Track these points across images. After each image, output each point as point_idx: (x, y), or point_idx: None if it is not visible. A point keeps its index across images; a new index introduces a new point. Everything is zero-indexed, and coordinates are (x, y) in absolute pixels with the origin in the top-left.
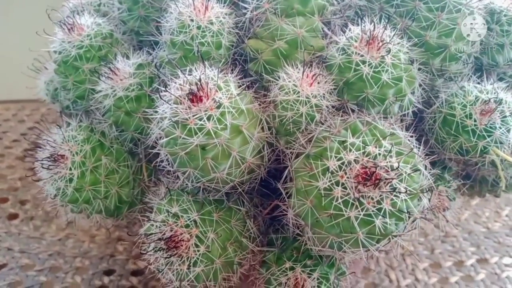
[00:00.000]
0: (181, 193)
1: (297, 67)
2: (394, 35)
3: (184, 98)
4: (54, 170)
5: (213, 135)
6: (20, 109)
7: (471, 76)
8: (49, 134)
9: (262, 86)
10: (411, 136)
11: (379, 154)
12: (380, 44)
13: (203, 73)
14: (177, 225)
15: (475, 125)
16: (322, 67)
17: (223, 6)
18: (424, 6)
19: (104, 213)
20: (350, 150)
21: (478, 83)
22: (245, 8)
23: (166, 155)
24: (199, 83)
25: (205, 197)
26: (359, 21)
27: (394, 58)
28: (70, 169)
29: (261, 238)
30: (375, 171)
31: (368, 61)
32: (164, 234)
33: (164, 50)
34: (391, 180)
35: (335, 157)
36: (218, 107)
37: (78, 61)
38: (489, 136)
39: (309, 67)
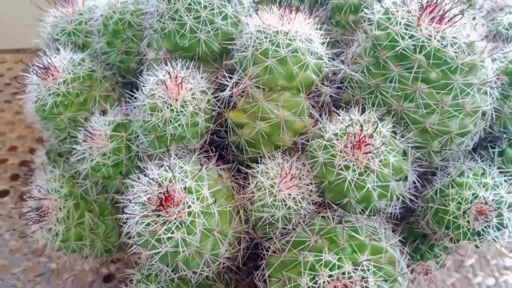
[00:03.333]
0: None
1: (276, 160)
2: (383, 138)
3: (152, 205)
4: (41, 223)
5: (183, 244)
6: None
7: (469, 152)
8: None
9: (243, 162)
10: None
11: (356, 274)
12: (367, 150)
13: (173, 172)
14: None
15: (468, 227)
16: (304, 157)
17: (201, 78)
18: (425, 90)
19: (93, 257)
20: (326, 268)
21: (482, 159)
22: (225, 85)
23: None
24: (166, 191)
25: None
26: (350, 104)
27: (382, 164)
28: (55, 224)
29: None
30: None
31: (353, 167)
32: None
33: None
34: None
35: (309, 275)
36: (188, 214)
37: (55, 110)
38: (481, 238)
39: (291, 157)
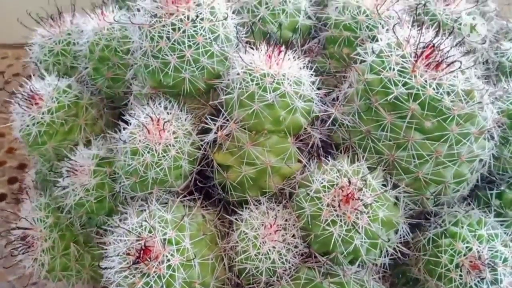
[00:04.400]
0: None
1: (261, 208)
2: (373, 192)
3: (131, 256)
4: (27, 253)
5: None
6: None
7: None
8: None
9: (229, 202)
10: None
11: None
12: (356, 205)
13: (153, 221)
14: None
15: (460, 281)
16: (290, 206)
17: (185, 119)
18: (419, 140)
19: (81, 285)
20: None
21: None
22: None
23: None
24: (144, 245)
25: None
26: (340, 148)
27: (371, 219)
28: (41, 254)
29: None
30: None
31: (340, 223)
32: None
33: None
34: None
35: None
36: (167, 267)
37: (39, 139)
38: None
39: (277, 203)
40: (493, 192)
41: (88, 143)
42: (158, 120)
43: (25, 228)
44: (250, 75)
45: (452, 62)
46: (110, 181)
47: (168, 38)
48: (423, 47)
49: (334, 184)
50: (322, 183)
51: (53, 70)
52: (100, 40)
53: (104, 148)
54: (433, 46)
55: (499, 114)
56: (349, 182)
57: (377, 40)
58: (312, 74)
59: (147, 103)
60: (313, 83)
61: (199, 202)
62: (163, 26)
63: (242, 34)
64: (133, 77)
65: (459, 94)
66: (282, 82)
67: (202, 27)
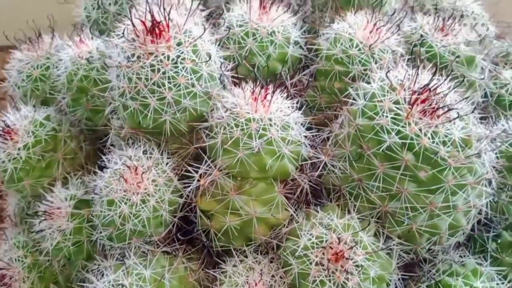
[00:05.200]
0: None
1: (246, 262)
2: (364, 249)
3: None
4: None
5: None
6: None
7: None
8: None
9: (215, 251)
10: None
11: None
12: (346, 264)
13: (130, 278)
14: None
15: None
16: (277, 260)
17: (166, 164)
18: (413, 192)
19: None
20: None
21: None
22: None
23: None
24: None
25: None
26: (331, 196)
27: (361, 279)
28: None
29: None
30: None
31: (329, 283)
32: None
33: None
34: None
35: None
36: None
37: (15, 176)
38: None
39: (264, 255)
40: (490, 235)
41: (66, 180)
42: (136, 168)
43: (2, 268)
44: (234, 119)
45: (449, 110)
46: (88, 226)
47: (147, 79)
48: (418, 93)
49: (323, 240)
50: (310, 239)
51: (31, 96)
52: (78, 70)
53: (82, 187)
54: (429, 90)
55: (497, 157)
56: (339, 240)
57: (369, 80)
58: (301, 114)
59: (126, 144)
60: (302, 124)
61: (181, 252)
62: (142, 67)
63: (228, 70)
64: (113, 110)
65: (456, 143)
66: (268, 128)
67: (183, 68)
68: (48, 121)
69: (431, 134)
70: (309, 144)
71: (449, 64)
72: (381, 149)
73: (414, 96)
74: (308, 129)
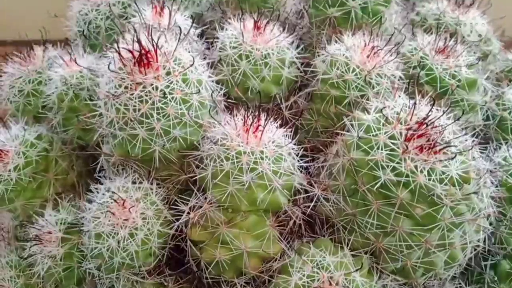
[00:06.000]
0: None
1: None
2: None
3: None
4: None
5: None
6: None
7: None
8: None
9: (206, 283)
10: None
11: None
12: None
13: None
14: None
15: None
16: None
17: (156, 195)
18: (408, 229)
19: None
20: None
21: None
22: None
23: None
24: None
25: None
26: (324, 228)
27: None
28: None
29: None
30: None
31: None
32: None
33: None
34: None
35: None
36: None
37: (6, 197)
38: None
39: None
40: (488, 263)
41: (58, 201)
42: (124, 202)
43: None
44: (224, 152)
45: (447, 146)
46: (79, 252)
47: (135, 110)
48: (414, 129)
49: (314, 280)
50: (301, 278)
51: (24, 111)
52: (68, 90)
53: (73, 211)
54: (426, 124)
55: (497, 187)
56: (331, 280)
57: (367, 105)
58: (296, 142)
59: (116, 171)
60: (297, 153)
61: (172, 282)
62: (129, 98)
63: (220, 95)
64: (102, 136)
65: (453, 180)
66: (260, 161)
67: (173, 98)
68: (40, 141)
69: (427, 171)
70: (303, 172)
71: (449, 88)
72: (375, 186)
73: (411, 131)
74: (303, 156)
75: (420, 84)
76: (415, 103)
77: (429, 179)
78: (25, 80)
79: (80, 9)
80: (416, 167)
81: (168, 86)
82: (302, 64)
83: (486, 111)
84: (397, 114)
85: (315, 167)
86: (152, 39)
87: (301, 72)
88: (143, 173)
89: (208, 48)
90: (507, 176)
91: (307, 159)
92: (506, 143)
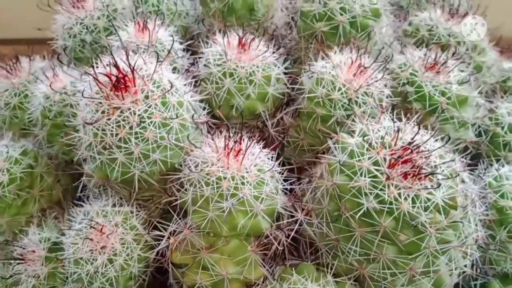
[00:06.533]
0: None
1: None
2: None
3: None
4: None
5: None
6: None
7: None
8: None
9: None
10: None
11: None
12: None
13: None
14: None
15: None
16: None
17: (136, 218)
18: (392, 257)
19: None
20: None
21: None
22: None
23: None
24: None
25: None
26: (307, 253)
27: None
28: None
29: None
30: None
31: None
32: None
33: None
34: None
35: None
36: None
37: None
38: None
39: None
40: (478, 283)
41: (43, 216)
42: (102, 228)
43: None
44: (205, 177)
45: (433, 173)
46: (62, 272)
47: (112, 135)
48: (399, 156)
49: None
50: None
51: (10, 124)
52: (51, 106)
53: (57, 229)
54: (411, 150)
55: (486, 208)
56: None
57: (352, 124)
58: (279, 164)
59: (98, 192)
60: (281, 173)
61: None
62: (107, 123)
63: (203, 114)
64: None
65: (438, 206)
66: (240, 187)
67: (151, 122)
68: (24, 156)
69: (412, 198)
70: (286, 198)
71: (439, 106)
72: (358, 214)
73: (395, 157)
74: (288, 177)
75: (409, 102)
76: (398, 129)
77: (413, 207)
78: (11, 93)
79: (64, 22)
80: (399, 194)
81: (147, 110)
82: (289, 79)
83: (479, 127)
84: (382, 139)
85: (300, 188)
86: (130, 64)
87: (288, 88)
88: (125, 194)
89: (193, 64)
90: (497, 198)
91: (293, 179)
92: (498, 160)
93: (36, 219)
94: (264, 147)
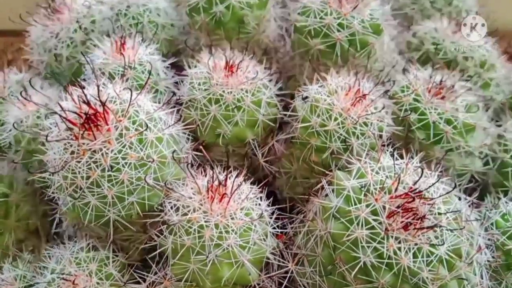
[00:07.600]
0: None
1: None
2: None
3: None
4: None
5: None
6: None
7: None
8: None
9: None
10: None
11: None
12: None
13: None
14: None
15: None
16: None
17: (113, 263)
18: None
19: None
20: None
21: None
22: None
23: None
24: None
25: None
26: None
27: None
28: None
29: None
30: None
31: None
32: None
33: None
34: None
35: None
36: None
37: None
38: None
39: None
40: None
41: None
42: (74, 280)
43: None
44: (185, 225)
45: (436, 226)
46: None
47: (83, 178)
48: (399, 204)
49: None
50: None
51: None
52: (24, 132)
53: (32, 267)
54: (413, 199)
55: (491, 250)
56: None
57: (349, 157)
58: (268, 203)
59: (73, 232)
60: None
61: None
62: (77, 165)
63: (186, 148)
64: None
65: (442, 259)
66: (225, 236)
67: (126, 163)
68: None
69: (413, 252)
70: (276, 242)
71: (444, 136)
72: (355, 269)
73: (395, 205)
74: (279, 216)
75: (412, 131)
76: (399, 176)
77: (415, 262)
78: None
79: (38, 36)
80: (399, 248)
81: (121, 151)
82: (282, 101)
83: (486, 155)
84: (381, 184)
85: (292, 227)
86: (100, 99)
87: (280, 112)
88: (101, 234)
89: (178, 82)
90: (504, 239)
91: (284, 219)
92: (506, 194)
93: (12, 252)
94: (253, 179)
